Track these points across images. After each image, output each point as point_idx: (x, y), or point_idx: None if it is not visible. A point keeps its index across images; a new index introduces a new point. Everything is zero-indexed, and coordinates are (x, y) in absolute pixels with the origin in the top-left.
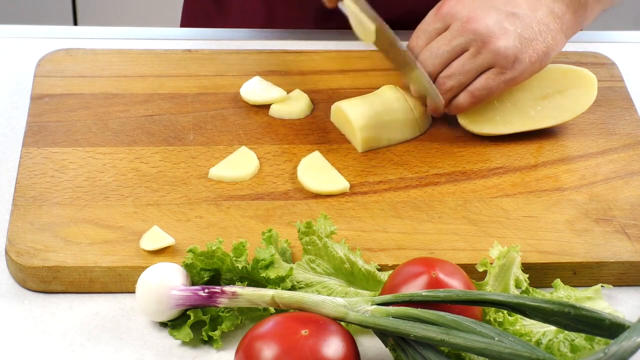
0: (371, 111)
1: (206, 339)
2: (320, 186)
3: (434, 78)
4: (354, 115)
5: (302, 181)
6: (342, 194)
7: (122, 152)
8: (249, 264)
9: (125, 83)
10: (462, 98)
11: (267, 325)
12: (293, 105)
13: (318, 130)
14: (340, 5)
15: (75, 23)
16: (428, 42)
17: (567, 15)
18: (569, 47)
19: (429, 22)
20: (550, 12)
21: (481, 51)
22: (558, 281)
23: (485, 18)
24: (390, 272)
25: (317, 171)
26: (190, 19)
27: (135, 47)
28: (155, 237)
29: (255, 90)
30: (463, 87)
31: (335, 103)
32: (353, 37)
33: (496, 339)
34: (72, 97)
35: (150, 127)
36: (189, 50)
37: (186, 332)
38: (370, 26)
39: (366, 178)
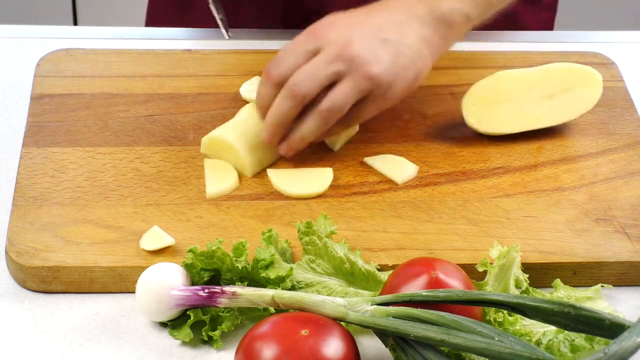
0: (249, 134)
1: (206, 339)
2: (304, 189)
3: (308, 99)
4: (237, 142)
5: (286, 191)
6: (342, 195)
7: (122, 152)
8: (249, 264)
9: (125, 83)
10: (338, 126)
11: (267, 325)
12: None
13: None
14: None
15: (75, 23)
16: (297, 62)
17: (435, 40)
18: (569, 47)
19: (300, 42)
20: (420, 37)
21: (359, 80)
22: (558, 281)
23: (360, 45)
24: (390, 272)
25: (291, 175)
26: (154, 20)
27: (135, 47)
28: (155, 237)
29: (255, 90)
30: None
31: (206, 135)
32: None
33: (496, 339)
34: (72, 97)
35: (150, 127)
36: (189, 50)
37: (186, 332)
38: None
39: (366, 178)
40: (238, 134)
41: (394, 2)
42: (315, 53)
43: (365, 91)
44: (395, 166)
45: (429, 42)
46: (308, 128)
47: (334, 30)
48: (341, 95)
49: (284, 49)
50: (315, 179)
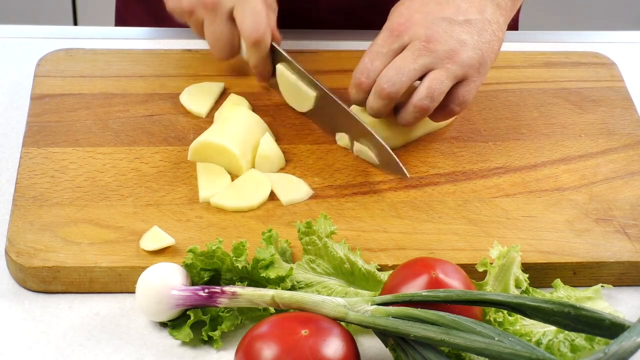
0: (240, 136)
1: (206, 339)
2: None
3: (399, 95)
4: (231, 145)
5: (226, 205)
6: (342, 195)
7: (122, 152)
8: (249, 264)
9: (125, 83)
10: (441, 116)
11: (267, 325)
12: None
13: (318, 130)
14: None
15: (75, 23)
16: (386, 63)
17: (508, 4)
18: (569, 47)
19: (383, 43)
20: (497, 6)
21: (450, 68)
22: (558, 281)
23: (443, 35)
24: (390, 272)
25: (236, 188)
26: (124, 20)
27: (135, 47)
28: (155, 237)
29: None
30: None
31: (195, 140)
32: (353, 37)
33: (496, 339)
34: (72, 97)
35: (150, 127)
36: (189, 50)
37: (186, 332)
38: (311, 93)
39: (366, 178)
40: (227, 137)
41: None
42: (399, 51)
43: (459, 77)
44: (287, 186)
45: (503, 9)
46: (405, 121)
47: (414, 24)
48: (435, 83)
49: (368, 54)
50: (251, 193)
